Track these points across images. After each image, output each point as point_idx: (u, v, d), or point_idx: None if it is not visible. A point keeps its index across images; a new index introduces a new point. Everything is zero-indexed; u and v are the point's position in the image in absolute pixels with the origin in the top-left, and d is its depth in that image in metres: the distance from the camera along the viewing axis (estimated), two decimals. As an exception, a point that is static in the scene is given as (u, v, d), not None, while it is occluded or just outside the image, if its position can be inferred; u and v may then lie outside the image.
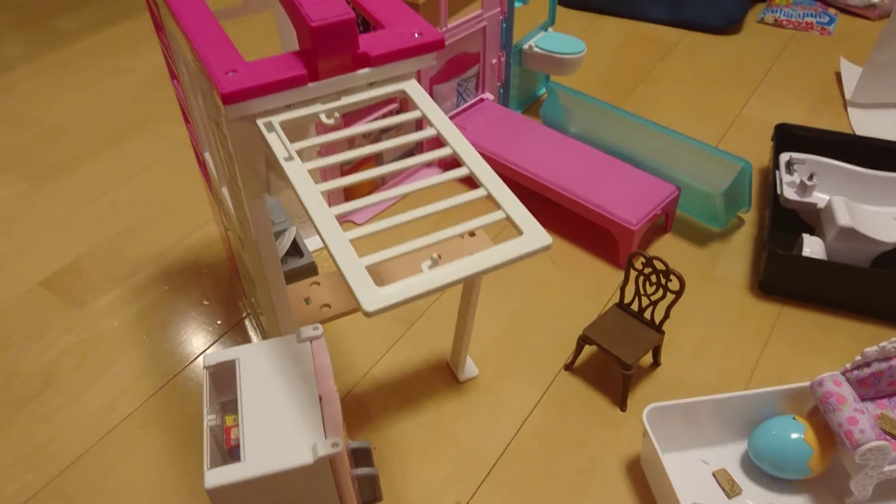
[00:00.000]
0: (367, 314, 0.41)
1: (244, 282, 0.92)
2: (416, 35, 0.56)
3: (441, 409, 0.93)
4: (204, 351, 1.00)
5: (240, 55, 0.54)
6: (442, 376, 0.97)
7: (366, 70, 0.55)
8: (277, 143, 0.51)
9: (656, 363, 0.97)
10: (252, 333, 1.02)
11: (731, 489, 0.83)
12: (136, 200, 1.26)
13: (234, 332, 1.02)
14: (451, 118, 1.29)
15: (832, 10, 1.74)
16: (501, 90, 1.36)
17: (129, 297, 1.08)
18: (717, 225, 1.17)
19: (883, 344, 0.79)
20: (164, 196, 1.27)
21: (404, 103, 1.15)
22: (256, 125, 0.53)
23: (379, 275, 0.78)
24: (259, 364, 0.56)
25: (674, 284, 0.88)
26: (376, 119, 1.14)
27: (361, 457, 0.60)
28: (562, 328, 1.02)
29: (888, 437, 0.79)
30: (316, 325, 0.58)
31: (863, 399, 0.83)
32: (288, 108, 0.53)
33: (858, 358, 0.80)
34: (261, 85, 0.51)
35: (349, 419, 0.91)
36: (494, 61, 1.30)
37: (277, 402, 0.53)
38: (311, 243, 1.10)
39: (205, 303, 1.07)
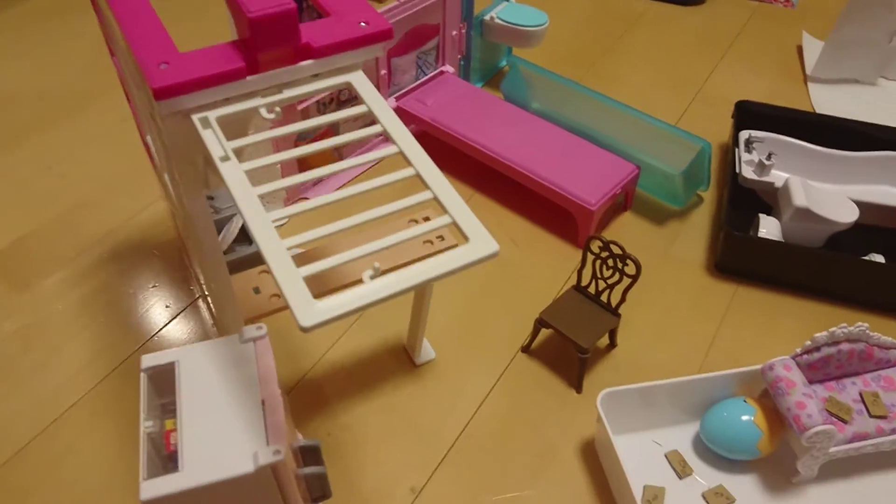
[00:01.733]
0: (304, 329, 0.40)
1: (194, 264, 0.89)
2: (363, 24, 0.53)
3: (397, 392, 0.92)
4: (153, 335, 0.98)
5: (173, 44, 0.51)
6: (398, 360, 0.96)
7: (309, 62, 0.52)
8: (213, 140, 0.48)
9: (612, 345, 0.97)
10: (206, 316, 1.00)
11: (682, 470, 0.84)
12: (85, 176, 1.22)
13: (186, 315, 1.00)
14: (411, 92, 1.26)
15: (796, -19, 1.73)
16: (462, 63, 1.33)
17: (76, 279, 1.05)
18: (677, 204, 1.17)
19: (832, 329, 0.80)
20: (114, 171, 1.22)
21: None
22: (192, 120, 0.50)
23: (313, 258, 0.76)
24: (200, 366, 0.54)
25: (630, 269, 0.88)
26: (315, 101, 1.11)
27: (310, 455, 0.60)
28: (521, 309, 1.02)
29: (835, 420, 0.81)
30: (260, 324, 0.56)
31: (812, 382, 0.84)
32: (226, 102, 0.51)
33: (808, 343, 0.81)
34: (195, 79, 0.48)
35: (304, 405, 0.91)
36: (455, 33, 1.27)
37: (218, 408, 0.52)
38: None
39: (154, 285, 1.04)
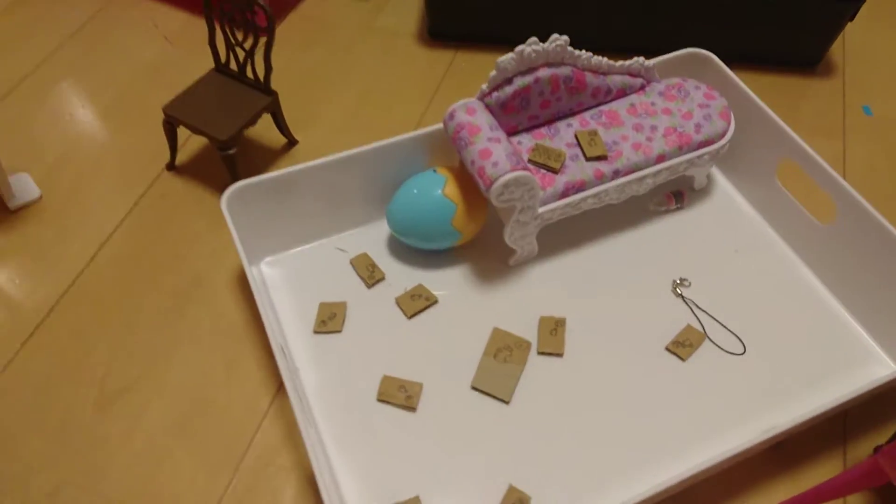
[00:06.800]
0: None
1: None
2: None
3: (-19, 251, 0.66)
4: None
5: None
6: (-11, 210, 0.69)
7: None
8: None
9: (291, 140, 0.74)
10: None
11: (370, 276, 0.63)
12: None
13: None
14: None
15: None
16: None
17: None
18: (381, -34, 0.91)
19: (520, 48, 0.58)
20: None
21: None
22: None
23: None
24: None
25: (261, 20, 0.63)
26: None
27: None
28: (170, 120, 0.75)
29: (541, 171, 0.61)
30: None
31: (516, 131, 0.63)
32: None
33: (494, 73, 0.59)
34: None
35: None
36: None
37: None
38: None
39: None
